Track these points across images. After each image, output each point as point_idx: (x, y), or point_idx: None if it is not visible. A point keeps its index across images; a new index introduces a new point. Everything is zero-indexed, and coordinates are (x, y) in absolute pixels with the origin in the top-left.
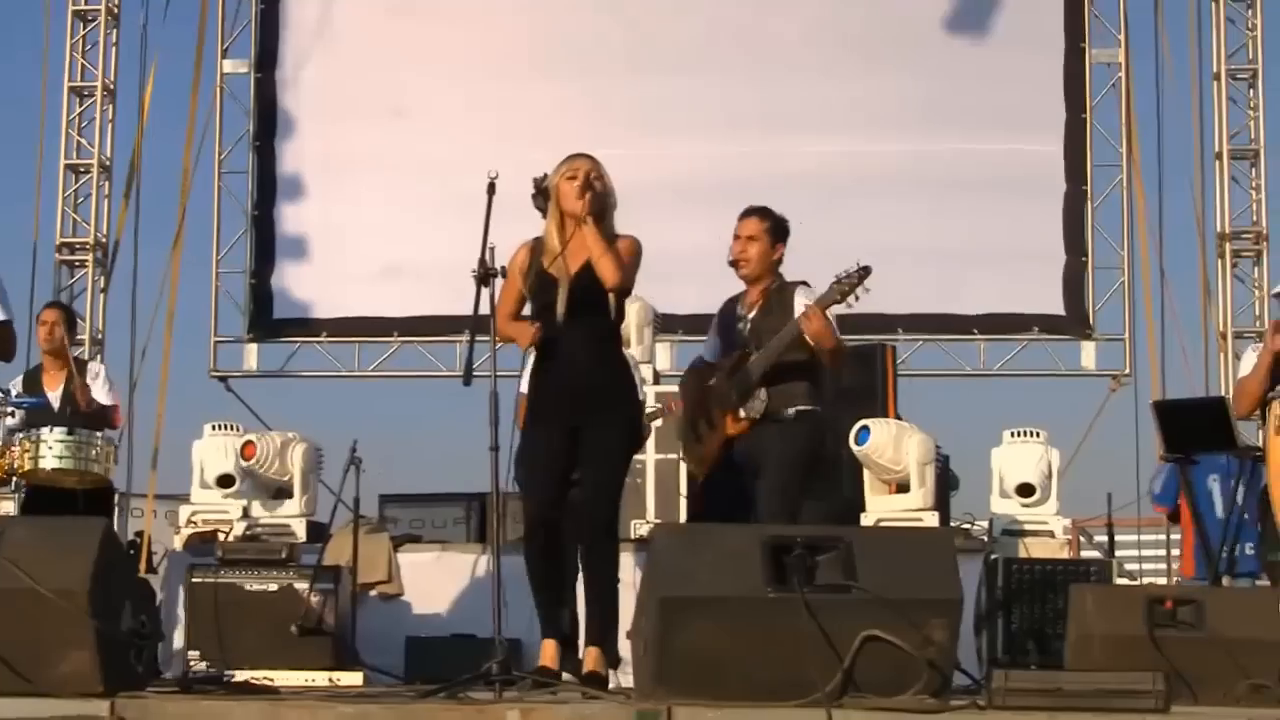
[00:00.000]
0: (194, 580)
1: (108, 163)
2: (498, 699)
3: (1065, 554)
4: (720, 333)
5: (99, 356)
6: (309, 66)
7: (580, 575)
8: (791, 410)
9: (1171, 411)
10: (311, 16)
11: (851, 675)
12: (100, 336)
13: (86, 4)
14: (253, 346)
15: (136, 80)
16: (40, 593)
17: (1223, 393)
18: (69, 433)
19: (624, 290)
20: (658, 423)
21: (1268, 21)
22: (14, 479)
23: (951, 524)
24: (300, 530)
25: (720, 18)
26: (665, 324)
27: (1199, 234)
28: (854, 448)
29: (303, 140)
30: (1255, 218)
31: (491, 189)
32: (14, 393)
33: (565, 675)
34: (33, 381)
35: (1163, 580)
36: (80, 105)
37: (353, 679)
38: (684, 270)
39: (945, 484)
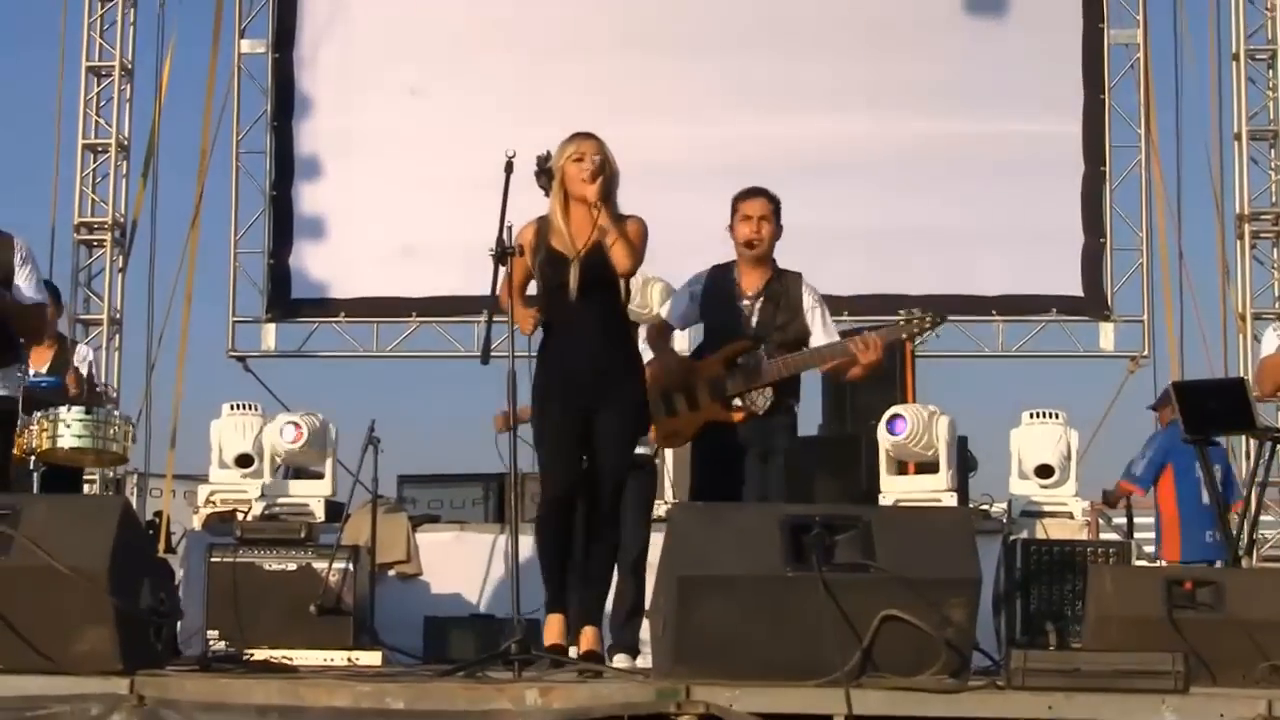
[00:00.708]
0: (213, 560)
1: (125, 143)
2: (516, 678)
3: (1084, 535)
4: (709, 306)
5: (116, 337)
6: (326, 46)
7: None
8: (794, 404)
9: (1191, 392)
10: None
11: (870, 655)
12: (118, 316)
13: None
14: (270, 326)
15: (154, 60)
16: (60, 570)
17: (1242, 374)
18: (87, 412)
19: (633, 274)
20: None
21: None
22: (32, 457)
23: (970, 505)
24: (319, 510)
25: None
26: None
27: (1218, 215)
28: (886, 436)
29: (320, 120)
30: (1275, 199)
31: (509, 168)
32: (33, 372)
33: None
34: None
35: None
36: (98, 85)
37: (371, 659)
38: (709, 251)
39: (964, 465)
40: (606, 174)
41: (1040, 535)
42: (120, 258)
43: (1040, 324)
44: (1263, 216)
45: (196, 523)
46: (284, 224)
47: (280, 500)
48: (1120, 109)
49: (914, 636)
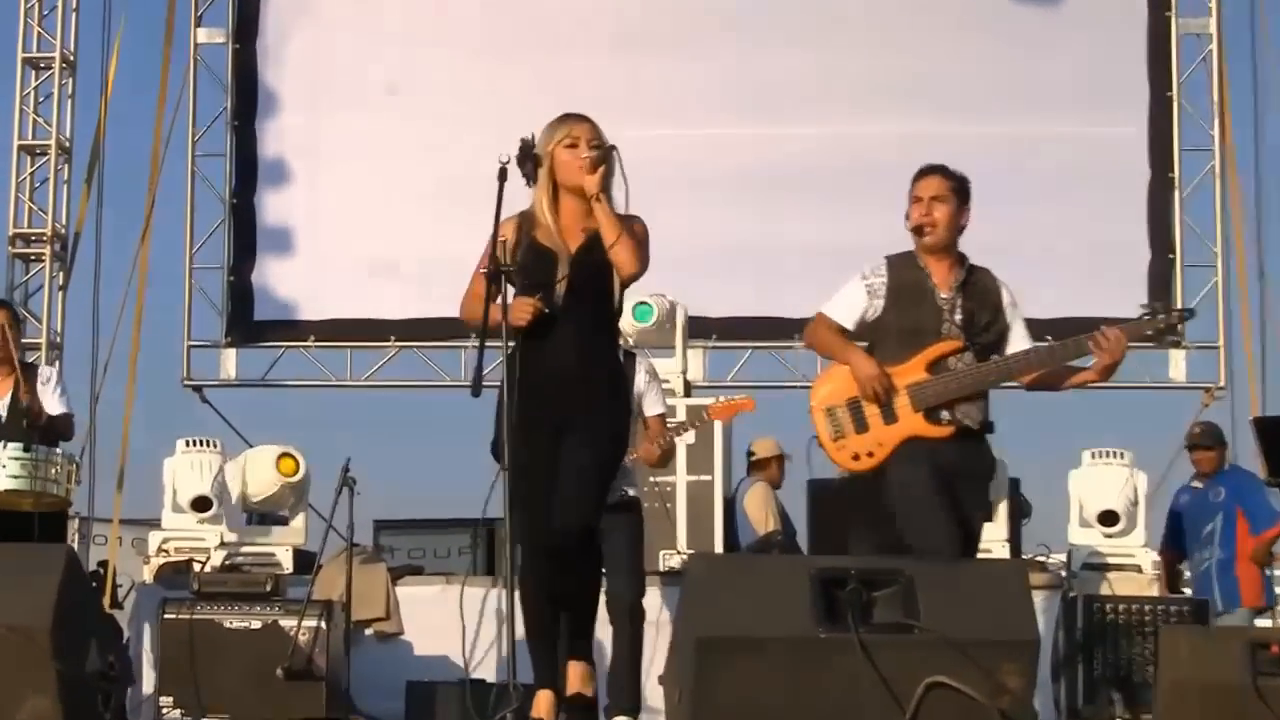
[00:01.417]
0: (166, 616)
1: (67, 144)
2: None
3: (1154, 590)
4: (896, 302)
5: (57, 363)
6: (294, 37)
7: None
8: (990, 421)
9: (1274, 429)
10: None
11: None
12: (58, 340)
13: None
14: (231, 352)
15: (99, 51)
16: None
17: None
18: (25, 449)
19: (636, 279)
20: (688, 438)
21: None
22: None
23: (1025, 557)
24: (286, 560)
25: None
26: (696, 328)
27: None
28: None
29: (287, 119)
30: None
31: (503, 175)
32: None
33: None
34: None
35: (1266, 622)
36: (36, 79)
37: None
38: (719, 268)
39: (1017, 511)
40: (608, 163)
41: (1105, 591)
42: (60, 274)
43: None
44: None
45: (147, 574)
46: (246, 236)
47: (243, 549)
48: (1191, 108)
49: (964, 706)
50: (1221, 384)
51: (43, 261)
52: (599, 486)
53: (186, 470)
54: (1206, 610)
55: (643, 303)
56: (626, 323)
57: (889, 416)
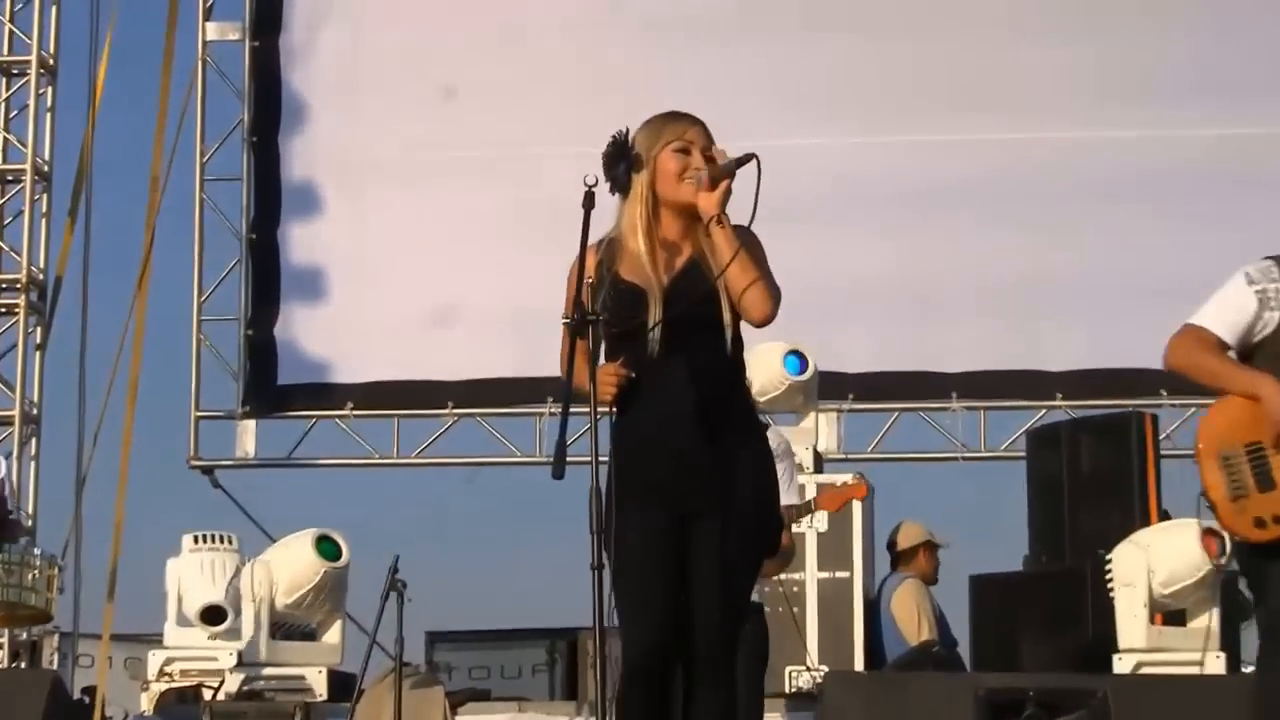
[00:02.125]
0: None
1: (46, 168)
2: None
3: None
4: None
5: (33, 441)
6: (326, 30)
7: None
8: None
9: None
10: None
11: None
12: (35, 412)
13: None
14: (249, 424)
15: (86, 53)
16: None
17: None
18: None
19: (770, 321)
20: (818, 524)
21: None
22: None
23: (1245, 669)
24: (319, 684)
25: None
26: (828, 386)
27: None
28: (1113, 567)
29: (318, 133)
30: None
31: (589, 200)
32: None
33: None
34: None
35: None
36: (8, 88)
37: None
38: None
39: (1235, 611)
40: (729, 179)
41: None
42: (38, 329)
43: None
44: None
45: (145, 703)
46: (267, 279)
47: (265, 670)
48: None
49: None
50: None
51: (16, 315)
52: (747, 576)
53: (195, 573)
54: None
55: (794, 352)
56: (768, 378)
57: None
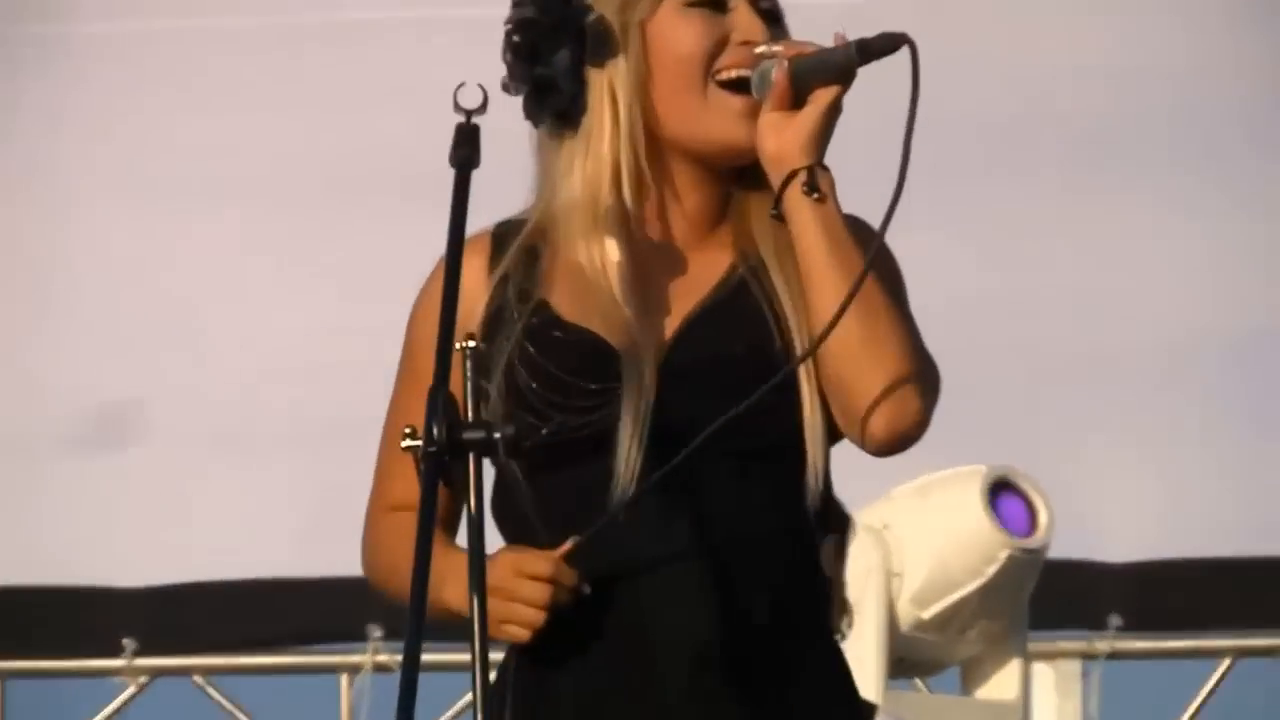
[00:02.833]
0: None
1: None
2: None
3: None
4: None
5: None
6: None
7: None
8: None
9: None
10: None
11: None
12: None
13: None
14: None
15: None
16: None
17: None
18: None
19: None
20: None
21: None
22: None
23: None
24: None
25: None
26: None
27: None
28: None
29: None
30: None
31: (465, 142)
32: None
33: None
34: None
35: None
36: None
37: None
38: None
39: None
40: (842, 86)
41: None
42: None
43: None
44: None
45: None
46: None
47: None
48: None
49: None
50: None
51: None
52: None
53: None
54: None
55: (1005, 483)
56: (954, 548)
57: None
